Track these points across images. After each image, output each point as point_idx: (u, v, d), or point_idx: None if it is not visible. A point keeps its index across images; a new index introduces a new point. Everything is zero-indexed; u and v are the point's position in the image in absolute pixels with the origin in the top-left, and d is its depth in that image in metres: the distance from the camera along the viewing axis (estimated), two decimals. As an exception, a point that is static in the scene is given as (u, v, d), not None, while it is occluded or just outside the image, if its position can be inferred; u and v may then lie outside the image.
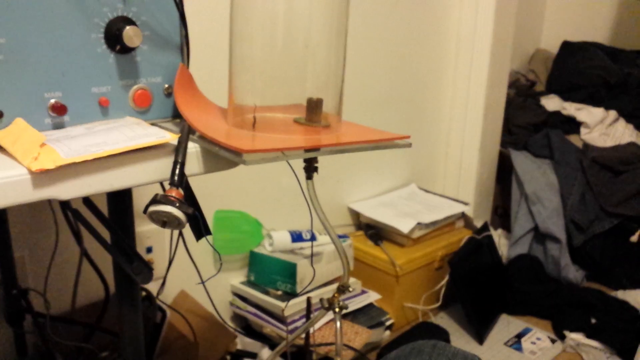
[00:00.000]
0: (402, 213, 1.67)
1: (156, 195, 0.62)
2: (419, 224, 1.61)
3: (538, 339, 1.59)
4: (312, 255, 1.40)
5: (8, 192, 0.57)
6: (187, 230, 0.77)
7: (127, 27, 0.68)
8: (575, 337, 1.54)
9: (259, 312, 1.41)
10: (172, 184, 0.64)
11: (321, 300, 0.92)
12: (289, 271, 1.38)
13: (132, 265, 0.73)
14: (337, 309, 0.90)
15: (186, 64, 0.77)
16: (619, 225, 1.83)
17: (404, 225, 1.60)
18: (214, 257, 1.42)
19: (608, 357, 1.48)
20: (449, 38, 1.88)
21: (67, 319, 1.10)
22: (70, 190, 0.60)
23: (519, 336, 1.60)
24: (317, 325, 1.35)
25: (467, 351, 0.63)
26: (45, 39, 0.66)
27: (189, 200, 0.68)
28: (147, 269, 0.73)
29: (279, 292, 1.40)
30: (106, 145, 0.62)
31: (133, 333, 0.81)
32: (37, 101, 0.67)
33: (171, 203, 0.61)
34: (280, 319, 1.36)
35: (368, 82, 1.68)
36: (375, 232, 1.68)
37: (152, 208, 0.62)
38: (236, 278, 1.49)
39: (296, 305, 1.36)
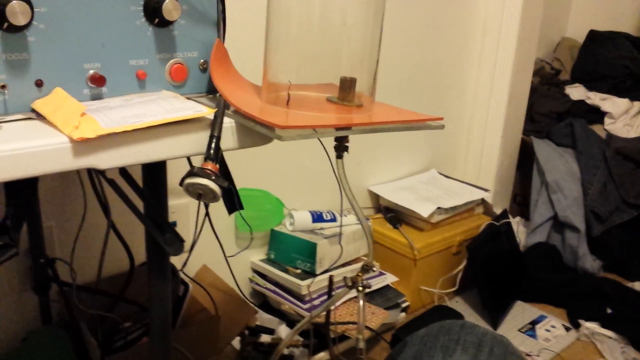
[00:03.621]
0: (422, 197, 1.68)
1: (192, 167, 0.63)
2: (438, 208, 1.62)
3: (552, 326, 1.59)
4: (340, 234, 1.41)
5: (49, 160, 0.58)
6: (212, 206, 0.78)
7: (167, 1, 0.68)
8: (590, 326, 1.54)
9: (277, 290, 1.42)
10: (207, 157, 0.65)
11: (345, 278, 0.93)
12: (309, 250, 1.39)
13: (164, 237, 0.74)
14: (360, 288, 0.91)
15: (222, 39, 0.77)
16: (638, 217, 1.82)
17: (424, 210, 1.60)
18: (236, 234, 1.44)
19: (622, 347, 1.48)
20: (476, 22, 1.87)
21: (92, 289, 1.12)
22: (108, 160, 0.61)
23: (534, 323, 1.60)
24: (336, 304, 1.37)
25: (495, 332, 0.63)
26: (86, 10, 0.66)
27: (224, 175, 0.69)
28: (178, 241, 0.74)
29: (298, 271, 1.42)
30: (145, 117, 0.63)
31: (161, 303, 0.83)
32: (77, 71, 0.68)
33: (207, 176, 0.62)
34: (299, 296, 1.37)
35: (392, 65, 1.67)
36: (394, 215, 1.68)
37: (189, 180, 0.63)
38: (256, 255, 1.50)
39: (315, 284, 1.37)
